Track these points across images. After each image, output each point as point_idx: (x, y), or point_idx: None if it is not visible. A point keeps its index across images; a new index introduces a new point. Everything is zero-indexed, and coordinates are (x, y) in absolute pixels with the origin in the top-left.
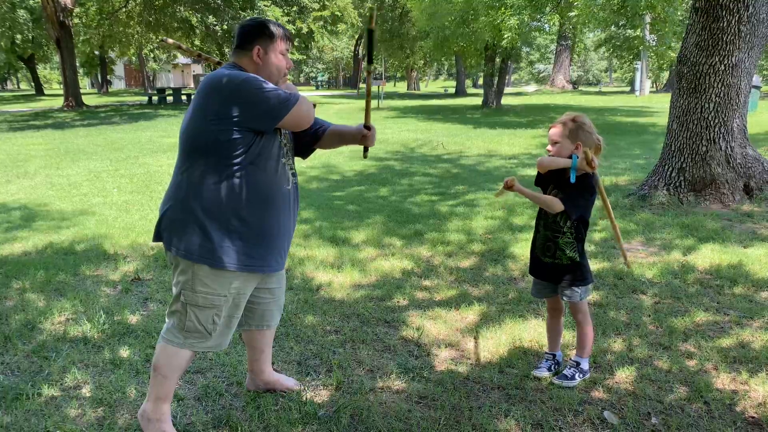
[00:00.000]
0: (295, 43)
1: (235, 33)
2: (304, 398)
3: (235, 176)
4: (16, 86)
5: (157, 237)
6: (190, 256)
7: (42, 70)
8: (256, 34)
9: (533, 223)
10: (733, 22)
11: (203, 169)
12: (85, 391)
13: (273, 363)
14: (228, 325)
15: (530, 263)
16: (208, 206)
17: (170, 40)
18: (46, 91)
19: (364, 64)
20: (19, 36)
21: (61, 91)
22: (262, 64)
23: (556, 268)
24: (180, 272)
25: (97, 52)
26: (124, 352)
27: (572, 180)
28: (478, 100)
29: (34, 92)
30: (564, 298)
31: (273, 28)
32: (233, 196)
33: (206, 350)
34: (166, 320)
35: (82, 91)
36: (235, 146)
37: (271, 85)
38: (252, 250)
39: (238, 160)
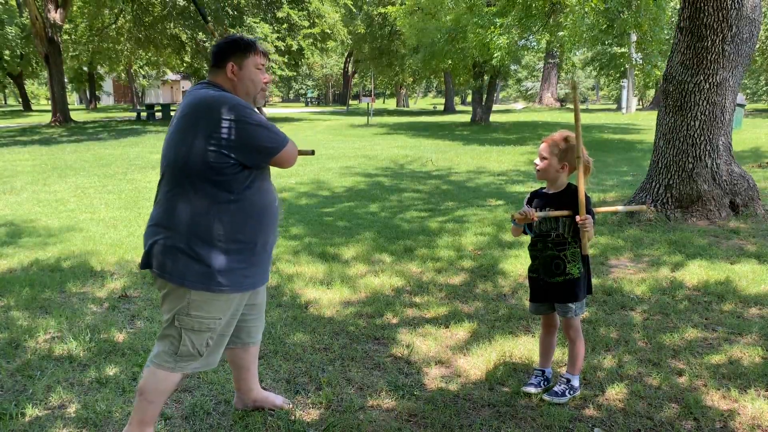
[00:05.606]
0: (285, 60)
1: (210, 53)
2: (293, 417)
3: (233, 201)
4: (3, 102)
5: (147, 264)
6: (188, 283)
7: (30, 86)
8: (229, 50)
9: (523, 239)
10: (717, 41)
11: (198, 196)
12: (71, 410)
13: (261, 381)
14: (219, 344)
15: (532, 291)
16: (205, 232)
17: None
18: (33, 107)
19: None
20: (7, 52)
21: (49, 107)
22: (237, 79)
23: (566, 285)
24: (175, 298)
25: (85, 68)
26: (111, 371)
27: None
28: (467, 117)
29: (21, 108)
30: (561, 315)
31: (245, 43)
32: (231, 220)
33: (195, 370)
34: (156, 344)
35: (70, 106)
36: (232, 172)
37: (261, 119)
38: (248, 269)
39: (235, 185)
